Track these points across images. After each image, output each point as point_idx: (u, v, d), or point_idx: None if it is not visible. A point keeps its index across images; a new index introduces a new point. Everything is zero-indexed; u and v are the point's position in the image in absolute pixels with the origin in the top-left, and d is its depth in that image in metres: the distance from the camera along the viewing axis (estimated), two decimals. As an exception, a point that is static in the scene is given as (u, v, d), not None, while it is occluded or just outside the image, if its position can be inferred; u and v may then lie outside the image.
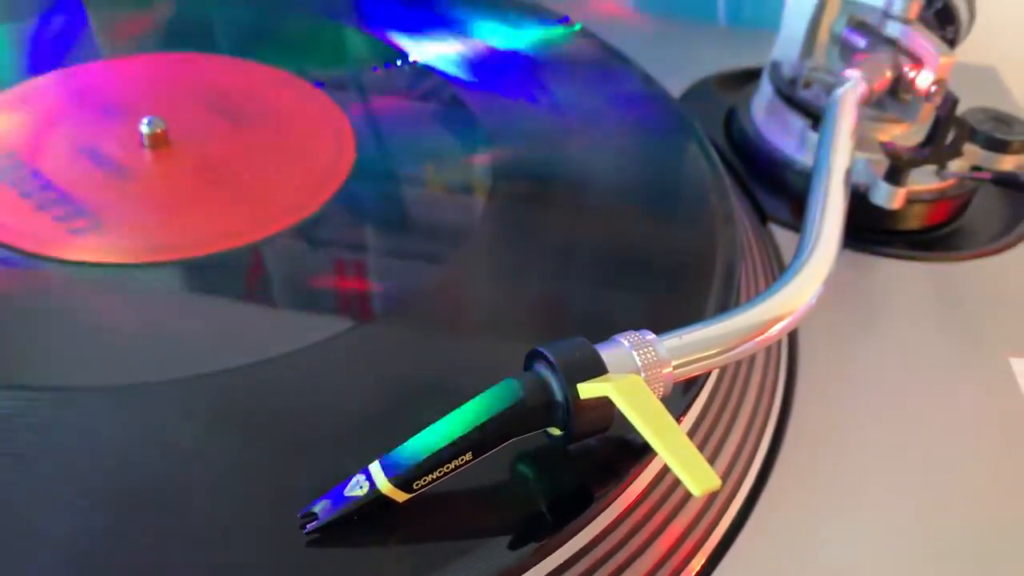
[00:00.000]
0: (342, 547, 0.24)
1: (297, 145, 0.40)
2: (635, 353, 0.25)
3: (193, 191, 0.37)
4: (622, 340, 0.26)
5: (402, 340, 0.31)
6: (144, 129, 0.37)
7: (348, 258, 0.36)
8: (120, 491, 0.25)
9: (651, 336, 0.26)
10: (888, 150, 0.41)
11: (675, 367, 0.26)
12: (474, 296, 0.34)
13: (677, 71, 0.54)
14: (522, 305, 0.34)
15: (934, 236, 0.46)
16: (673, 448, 0.21)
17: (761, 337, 0.28)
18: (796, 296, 0.30)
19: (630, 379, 0.23)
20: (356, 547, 0.24)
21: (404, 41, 0.49)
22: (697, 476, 0.21)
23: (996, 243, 0.46)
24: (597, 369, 0.25)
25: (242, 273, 0.34)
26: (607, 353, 0.25)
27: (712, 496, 0.30)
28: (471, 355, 0.31)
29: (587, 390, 0.24)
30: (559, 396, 0.24)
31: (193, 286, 0.34)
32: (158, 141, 0.38)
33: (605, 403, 0.24)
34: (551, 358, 0.25)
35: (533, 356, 0.26)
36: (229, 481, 0.26)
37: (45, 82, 0.43)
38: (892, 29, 0.44)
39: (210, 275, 0.34)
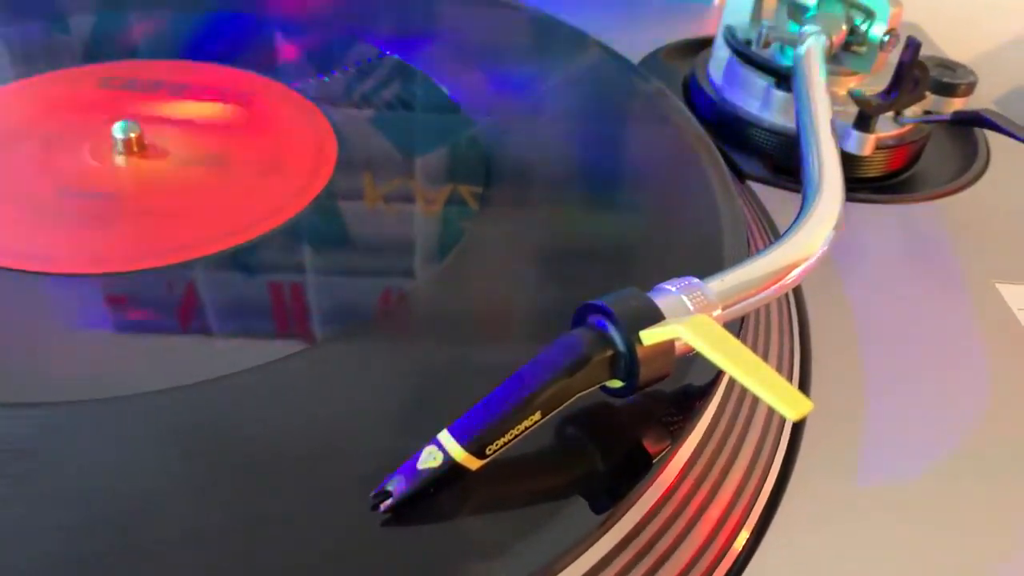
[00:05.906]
0: (419, 523, 0.23)
1: (276, 149, 0.39)
2: (685, 297, 0.25)
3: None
4: (669, 287, 0.26)
5: (393, 349, 0.30)
6: (118, 135, 0.35)
7: (327, 264, 0.34)
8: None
9: (696, 280, 0.26)
10: (858, 99, 0.42)
11: (723, 308, 0.26)
12: (477, 298, 0.33)
13: (623, 46, 0.54)
14: (532, 298, 0.33)
15: (896, 182, 0.48)
16: (761, 379, 0.21)
17: (792, 275, 0.29)
18: (815, 234, 0.30)
19: (699, 319, 0.23)
20: (435, 522, 0.23)
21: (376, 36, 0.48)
22: (790, 402, 0.21)
23: (953, 184, 0.48)
24: (655, 316, 0.24)
25: (224, 282, 0.32)
26: (659, 300, 0.25)
27: (751, 463, 0.30)
28: (474, 359, 0.29)
29: (652, 336, 0.24)
30: (622, 347, 0.24)
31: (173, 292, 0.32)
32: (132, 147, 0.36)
33: (667, 349, 0.24)
34: (609, 309, 0.24)
35: (585, 311, 0.25)
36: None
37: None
38: (841, -16, 0.45)
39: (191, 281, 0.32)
